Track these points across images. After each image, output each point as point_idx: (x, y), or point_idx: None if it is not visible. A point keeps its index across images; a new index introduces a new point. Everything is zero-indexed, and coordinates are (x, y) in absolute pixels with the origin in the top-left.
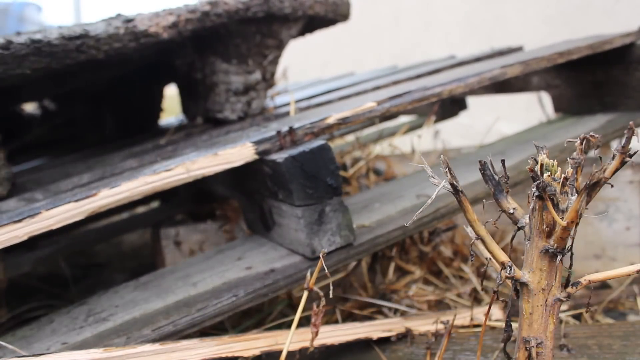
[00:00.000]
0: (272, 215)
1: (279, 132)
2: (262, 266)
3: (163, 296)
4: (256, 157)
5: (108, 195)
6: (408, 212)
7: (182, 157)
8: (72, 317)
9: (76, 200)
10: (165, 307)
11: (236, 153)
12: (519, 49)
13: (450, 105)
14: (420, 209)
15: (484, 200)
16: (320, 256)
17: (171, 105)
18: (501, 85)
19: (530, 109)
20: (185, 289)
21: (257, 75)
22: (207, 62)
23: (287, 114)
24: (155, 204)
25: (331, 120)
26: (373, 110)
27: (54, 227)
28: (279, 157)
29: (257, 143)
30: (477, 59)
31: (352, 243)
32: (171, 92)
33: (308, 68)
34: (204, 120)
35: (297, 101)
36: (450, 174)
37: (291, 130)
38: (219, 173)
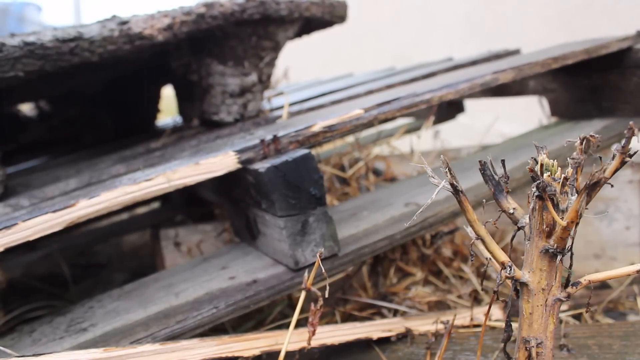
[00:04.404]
0: (256, 224)
1: (262, 141)
2: (245, 276)
3: (145, 306)
4: (239, 166)
5: (87, 206)
6: (396, 221)
7: (164, 165)
8: (54, 326)
9: (54, 211)
10: (145, 318)
11: (218, 162)
12: (516, 52)
13: (448, 108)
14: (411, 220)
15: (484, 200)
16: (317, 258)
17: (169, 105)
18: (497, 89)
19: (530, 108)
20: (167, 299)
21: (253, 77)
22: (203, 63)
23: (279, 118)
24: (155, 205)
25: (317, 128)
26: (360, 117)
27: (31, 238)
28: (262, 166)
29: (240, 152)
30: (474, 62)
31: (336, 254)
32: (169, 92)
33: (309, 67)
34: (200, 122)
35: (292, 104)
36: (450, 174)
37: (275, 139)
38: (202, 181)
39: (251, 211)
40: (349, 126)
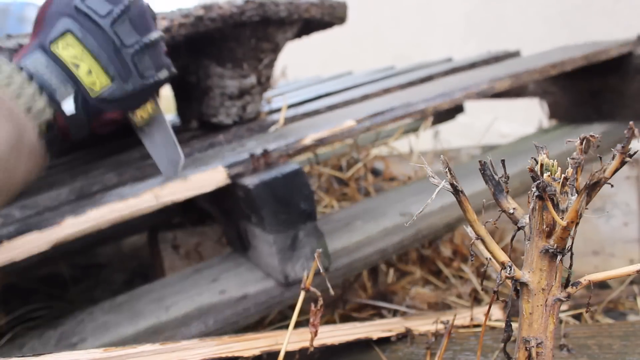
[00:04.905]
0: (247, 237)
1: (252, 155)
2: (235, 290)
3: (135, 321)
4: (229, 181)
5: (73, 225)
6: (389, 232)
7: (153, 179)
8: (43, 341)
9: (40, 230)
10: (135, 334)
11: (207, 178)
12: (516, 54)
13: (447, 109)
14: (403, 231)
15: (484, 200)
16: (315, 258)
17: (168, 105)
18: (496, 93)
19: (530, 108)
20: (157, 314)
21: (252, 79)
22: (201, 65)
23: (276, 122)
24: None
25: (307, 141)
26: (352, 129)
27: (17, 259)
28: (251, 182)
29: (229, 167)
30: (472, 65)
31: (327, 268)
32: (169, 92)
33: (310, 66)
34: (198, 124)
35: (290, 106)
36: (450, 174)
37: (265, 153)
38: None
39: (242, 224)
40: (341, 138)
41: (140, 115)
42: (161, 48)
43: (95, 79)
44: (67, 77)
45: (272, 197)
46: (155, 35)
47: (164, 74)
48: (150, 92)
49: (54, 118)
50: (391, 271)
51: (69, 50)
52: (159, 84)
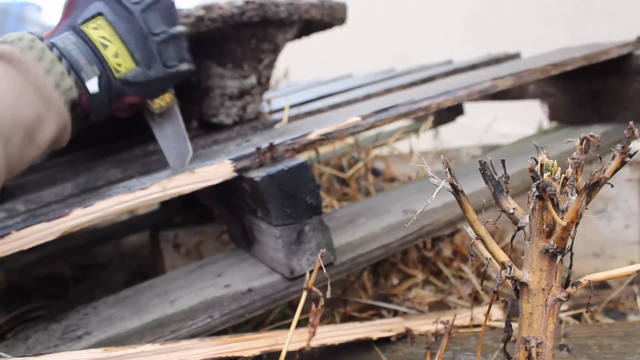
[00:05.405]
0: (252, 232)
1: (258, 149)
2: (240, 284)
3: (140, 314)
4: (235, 174)
5: (81, 215)
6: (392, 228)
7: (160, 172)
8: (48, 333)
9: (48, 220)
10: (140, 327)
11: (214, 171)
12: (516, 55)
13: (447, 111)
14: (407, 227)
15: (484, 200)
16: (319, 258)
17: None
18: (497, 94)
19: (530, 109)
20: (162, 307)
21: (252, 80)
22: (202, 66)
23: (277, 121)
24: (155, 206)
25: (313, 136)
26: (357, 125)
27: (25, 248)
28: (257, 175)
29: (235, 160)
30: (473, 66)
31: (332, 263)
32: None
33: (310, 67)
34: (199, 124)
35: (291, 106)
36: (450, 173)
37: (271, 147)
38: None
39: (247, 219)
40: (346, 133)
41: (158, 103)
42: (184, 42)
43: (121, 61)
44: (94, 57)
45: (279, 190)
46: (180, 28)
47: (185, 66)
48: (171, 82)
49: (79, 97)
50: (392, 273)
51: (99, 32)
52: (180, 75)
